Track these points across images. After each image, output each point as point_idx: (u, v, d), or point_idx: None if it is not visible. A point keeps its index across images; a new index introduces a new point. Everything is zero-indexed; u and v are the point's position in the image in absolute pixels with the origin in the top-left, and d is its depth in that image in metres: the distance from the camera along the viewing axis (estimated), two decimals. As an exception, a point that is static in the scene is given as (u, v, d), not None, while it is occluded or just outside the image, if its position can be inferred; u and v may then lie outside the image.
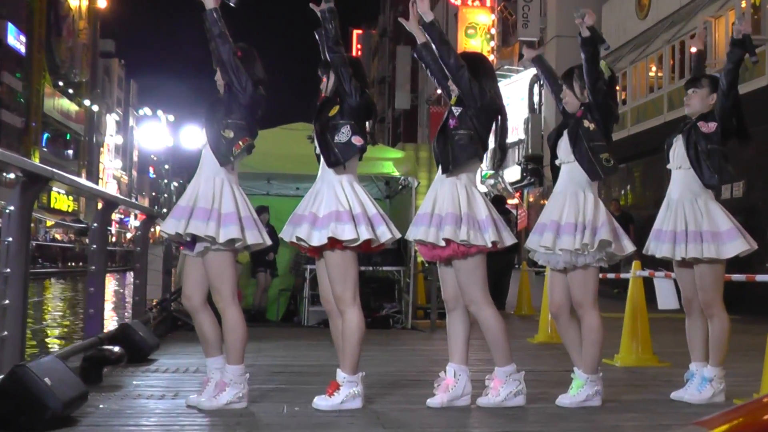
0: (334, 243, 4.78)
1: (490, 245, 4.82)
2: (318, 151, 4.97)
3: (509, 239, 4.95)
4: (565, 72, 5.20)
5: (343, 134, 4.85)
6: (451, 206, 4.81)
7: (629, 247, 5.04)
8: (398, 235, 4.97)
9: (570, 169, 5.04)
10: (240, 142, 4.83)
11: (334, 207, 4.79)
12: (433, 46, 4.92)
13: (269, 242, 4.99)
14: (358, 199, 4.85)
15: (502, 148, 5.07)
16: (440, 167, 4.94)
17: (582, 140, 4.97)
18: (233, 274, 4.91)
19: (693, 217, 5.09)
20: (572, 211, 4.93)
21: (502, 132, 5.03)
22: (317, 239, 4.79)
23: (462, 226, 4.77)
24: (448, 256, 4.86)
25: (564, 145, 5.08)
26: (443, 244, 4.80)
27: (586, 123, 4.99)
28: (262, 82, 4.96)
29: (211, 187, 4.82)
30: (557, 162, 5.14)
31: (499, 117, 5.00)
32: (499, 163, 5.16)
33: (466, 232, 4.76)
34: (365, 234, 4.77)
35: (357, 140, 4.86)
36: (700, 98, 5.22)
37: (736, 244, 5.02)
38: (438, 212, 4.85)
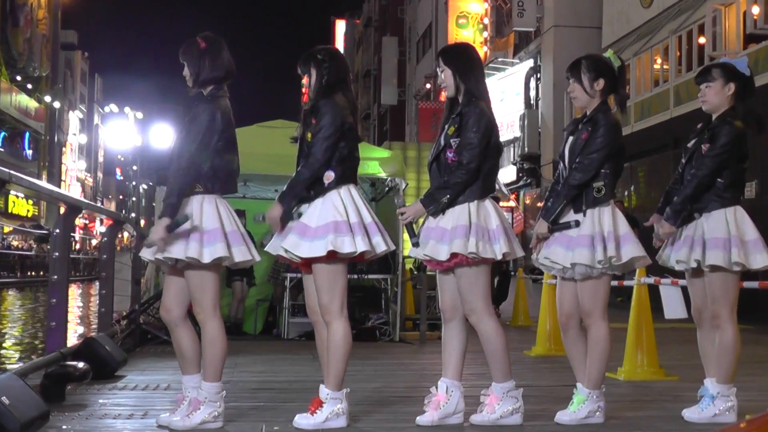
0: (331, 255, 4.79)
1: (500, 257, 4.86)
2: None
3: (519, 251, 4.97)
4: (571, 63, 5.18)
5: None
6: (461, 219, 4.83)
7: (648, 258, 5.05)
8: (393, 247, 5.01)
9: None
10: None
11: (332, 217, 4.79)
12: None
13: (258, 258, 5.00)
14: (354, 206, 4.86)
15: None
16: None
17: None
18: (216, 285, 4.92)
19: (716, 223, 5.05)
20: (587, 222, 4.92)
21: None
22: (308, 250, 4.77)
23: (471, 237, 4.79)
24: (454, 263, 4.88)
25: (567, 153, 5.07)
26: (444, 258, 4.83)
27: None
28: (229, 74, 4.97)
29: (189, 204, 4.82)
30: (560, 168, 5.14)
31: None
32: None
33: (475, 243, 4.78)
34: (362, 245, 4.77)
35: (327, 177, 4.85)
36: (715, 92, 5.15)
37: (764, 256, 5.00)
38: (443, 225, 4.87)
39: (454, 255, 4.80)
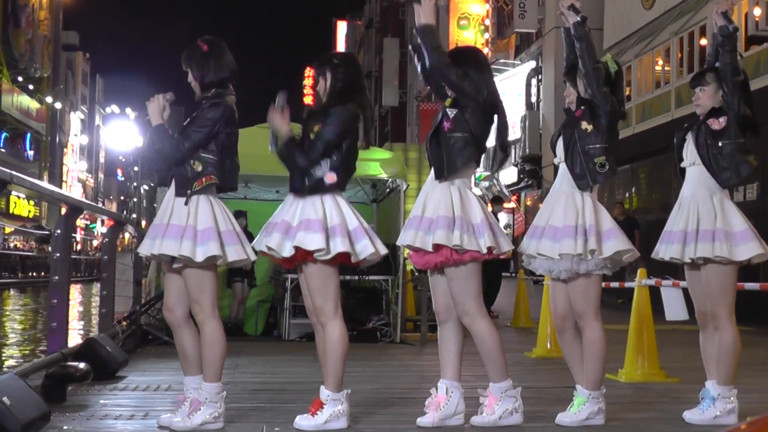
0: (304, 254, 4.79)
1: (484, 251, 4.84)
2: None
3: (506, 245, 4.97)
4: (569, 67, 5.20)
5: (319, 170, 4.87)
6: (444, 209, 4.83)
7: (636, 252, 5.07)
8: (383, 252, 4.98)
9: (567, 169, 5.07)
10: (204, 179, 4.83)
11: (307, 215, 4.81)
12: (424, 50, 4.94)
13: (254, 257, 5.00)
14: (338, 210, 4.86)
15: (504, 148, 5.11)
16: (433, 171, 4.96)
17: (575, 143, 4.99)
18: (214, 285, 4.92)
19: (706, 215, 5.05)
20: (571, 213, 4.94)
21: (502, 130, 5.06)
22: (288, 250, 4.80)
23: (455, 230, 4.79)
24: (441, 263, 4.87)
25: (561, 144, 5.12)
26: (430, 248, 4.82)
27: (583, 125, 5.00)
28: (233, 74, 4.99)
29: (189, 203, 4.82)
30: (555, 161, 5.19)
31: (497, 115, 5.02)
32: (500, 164, 5.20)
33: (459, 236, 4.78)
34: (339, 246, 4.77)
35: (330, 178, 4.86)
36: (709, 96, 5.20)
37: (751, 246, 5.01)
38: (429, 216, 4.87)
39: (437, 247, 4.80)
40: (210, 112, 4.86)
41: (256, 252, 5.00)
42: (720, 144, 5.09)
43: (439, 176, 4.91)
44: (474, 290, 4.91)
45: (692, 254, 5.06)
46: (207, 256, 4.74)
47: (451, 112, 4.92)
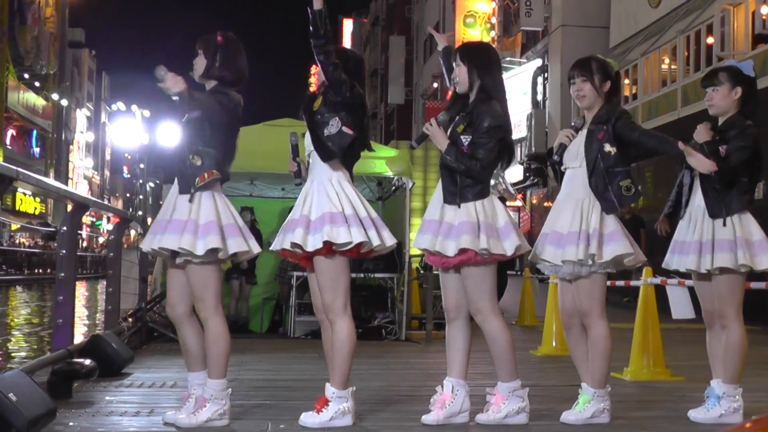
0: (328, 247, 4.80)
1: (509, 254, 4.86)
2: (308, 151, 4.99)
3: (526, 246, 4.98)
4: (580, 60, 5.16)
5: (333, 126, 4.86)
6: (466, 215, 4.84)
7: (641, 256, 5.06)
8: (389, 242, 4.97)
9: (576, 175, 5.03)
10: (206, 174, 4.83)
11: (327, 208, 4.81)
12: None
13: (257, 249, 4.99)
14: (348, 200, 4.87)
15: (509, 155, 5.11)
16: (443, 192, 4.96)
17: (600, 167, 4.94)
18: (218, 282, 4.93)
19: (722, 224, 5.03)
20: (577, 219, 4.93)
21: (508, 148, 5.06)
22: (312, 244, 4.80)
23: (481, 235, 4.79)
24: (460, 262, 4.88)
25: (573, 149, 5.06)
26: (451, 254, 4.83)
27: (606, 147, 4.94)
28: (239, 77, 4.98)
29: (187, 196, 4.83)
30: (562, 168, 5.13)
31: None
32: (507, 163, 5.19)
33: (486, 240, 4.79)
34: (358, 236, 4.78)
35: (348, 130, 4.87)
36: (722, 96, 5.12)
37: None
38: (449, 221, 4.88)
39: (462, 251, 4.80)
40: (217, 95, 4.87)
41: (260, 247, 5.00)
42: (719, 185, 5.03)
43: (450, 203, 4.93)
44: (489, 289, 4.92)
45: (709, 265, 4.99)
46: (208, 249, 4.74)
47: (466, 139, 4.90)
